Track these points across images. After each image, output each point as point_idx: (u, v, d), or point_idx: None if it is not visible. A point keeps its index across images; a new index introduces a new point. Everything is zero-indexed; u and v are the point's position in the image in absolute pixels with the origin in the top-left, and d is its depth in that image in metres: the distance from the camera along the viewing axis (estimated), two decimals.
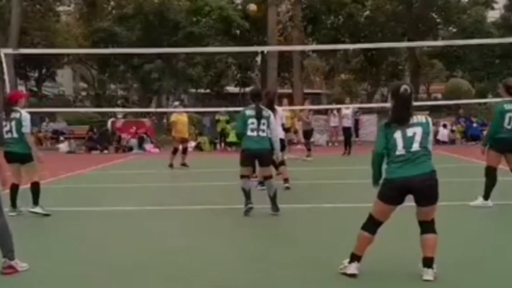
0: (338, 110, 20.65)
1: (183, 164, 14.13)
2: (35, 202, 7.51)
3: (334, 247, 5.46)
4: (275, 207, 7.44)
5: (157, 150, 22.76)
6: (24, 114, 7.48)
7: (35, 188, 7.48)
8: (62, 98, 37.56)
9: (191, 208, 8.00)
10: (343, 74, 36.61)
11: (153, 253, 5.46)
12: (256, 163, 7.90)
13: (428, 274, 4.36)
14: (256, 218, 7.35)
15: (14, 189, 7.49)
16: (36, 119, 23.31)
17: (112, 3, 34.11)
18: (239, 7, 31.40)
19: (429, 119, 4.57)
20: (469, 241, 5.89)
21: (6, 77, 13.47)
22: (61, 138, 24.77)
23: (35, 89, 33.70)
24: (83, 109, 29.24)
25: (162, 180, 12.33)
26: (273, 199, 7.45)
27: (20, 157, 7.38)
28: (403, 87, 4.47)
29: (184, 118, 14.82)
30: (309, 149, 16.53)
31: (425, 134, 4.43)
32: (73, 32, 32.90)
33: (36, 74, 34.21)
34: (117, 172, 14.63)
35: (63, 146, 23.24)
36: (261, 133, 7.38)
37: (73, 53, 29.90)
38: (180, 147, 14.55)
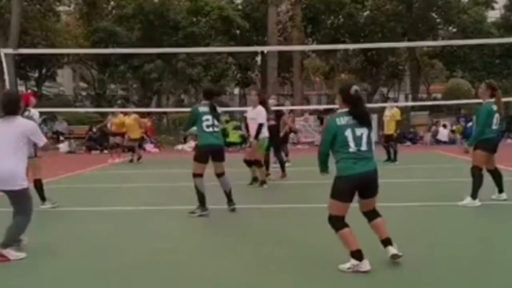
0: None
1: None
2: (42, 198, 7.99)
3: (334, 247, 5.45)
4: (231, 203, 7.64)
5: (157, 150, 22.75)
6: (33, 111, 8.01)
7: (39, 185, 7.93)
8: (62, 98, 37.52)
9: (191, 208, 7.99)
10: (343, 74, 36.59)
11: (153, 253, 5.45)
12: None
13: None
14: (256, 218, 7.36)
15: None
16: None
17: (112, 3, 34.13)
18: (239, 7, 31.43)
19: None
20: (474, 240, 5.88)
21: (6, 77, 13.50)
22: (61, 138, 24.77)
23: (35, 89, 33.67)
24: (83, 109, 29.21)
25: (162, 180, 12.31)
26: (229, 195, 7.65)
27: None
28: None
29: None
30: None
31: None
32: (73, 32, 32.87)
33: (36, 74, 34.20)
34: (117, 172, 14.61)
35: (63, 146, 23.24)
36: (216, 129, 7.49)
37: (73, 53, 29.89)
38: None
